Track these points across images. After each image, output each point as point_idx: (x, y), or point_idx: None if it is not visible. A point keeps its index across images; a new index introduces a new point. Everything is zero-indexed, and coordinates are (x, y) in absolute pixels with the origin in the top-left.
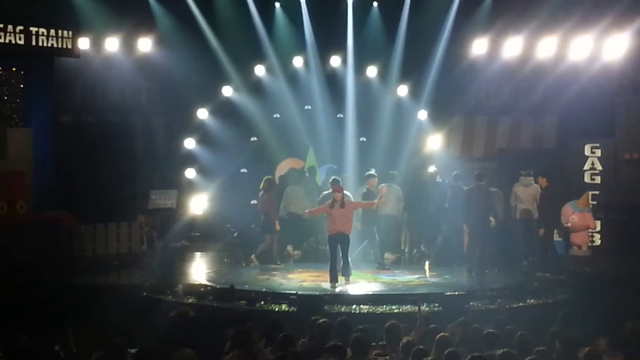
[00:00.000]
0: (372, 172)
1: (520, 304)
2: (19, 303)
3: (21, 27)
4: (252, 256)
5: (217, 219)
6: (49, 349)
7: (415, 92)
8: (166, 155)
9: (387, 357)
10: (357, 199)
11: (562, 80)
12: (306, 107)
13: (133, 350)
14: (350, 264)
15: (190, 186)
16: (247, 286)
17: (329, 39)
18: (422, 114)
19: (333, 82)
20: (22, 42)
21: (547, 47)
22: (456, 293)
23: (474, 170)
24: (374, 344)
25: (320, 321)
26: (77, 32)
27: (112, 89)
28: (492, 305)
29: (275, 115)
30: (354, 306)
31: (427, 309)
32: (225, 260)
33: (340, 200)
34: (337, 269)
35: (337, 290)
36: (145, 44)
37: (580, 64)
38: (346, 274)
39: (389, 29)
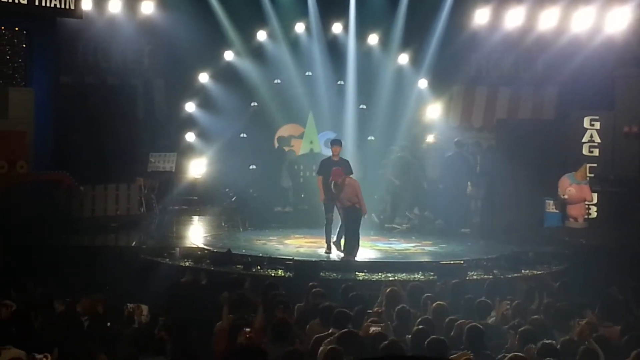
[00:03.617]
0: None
1: (515, 274)
2: (16, 263)
3: None
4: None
5: (216, 183)
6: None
7: (416, 61)
8: (166, 118)
9: (382, 325)
10: None
11: (563, 52)
12: (307, 74)
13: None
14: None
15: (190, 149)
16: (243, 250)
17: (331, 5)
18: (423, 83)
19: (334, 49)
20: (25, 1)
21: (549, 18)
22: (452, 262)
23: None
24: (370, 311)
25: (315, 289)
26: None
27: (114, 51)
28: (487, 274)
29: (276, 81)
30: (350, 273)
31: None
32: (223, 224)
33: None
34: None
35: (332, 256)
36: (147, 7)
37: (581, 36)
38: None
39: None
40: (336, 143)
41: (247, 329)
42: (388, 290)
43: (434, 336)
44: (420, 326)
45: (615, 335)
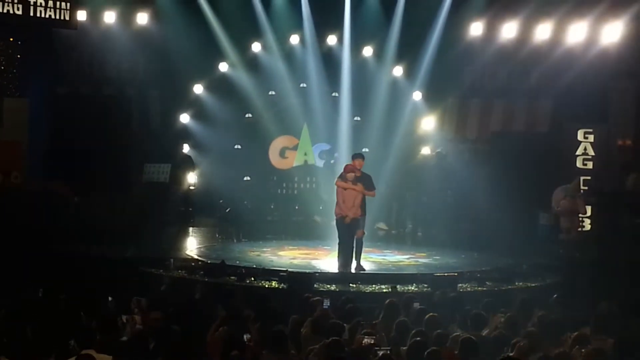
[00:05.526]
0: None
1: (509, 286)
2: (12, 273)
3: None
4: None
5: (210, 194)
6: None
7: (410, 73)
8: (161, 129)
9: (375, 337)
10: None
11: (557, 64)
12: (301, 85)
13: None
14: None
15: (184, 161)
16: (237, 262)
17: (326, 17)
18: (417, 95)
19: (329, 61)
20: (19, 12)
21: (543, 31)
22: (445, 274)
23: (464, 151)
24: (363, 322)
25: (313, 299)
26: (75, 4)
27: (109, 62)
28: (481, 287)
29: (270, 93)
30: (344, 285)
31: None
32: (217, 235)
33: (352, 180)
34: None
35: (329, 269)
36: (142, 18)
37: (576, 49)
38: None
39: (386, 9)
40: (358, 157)
41: (248, 336)
42: (387, 302)
43: (434, 348)
44: (416, 338)
45: (609, 348)
